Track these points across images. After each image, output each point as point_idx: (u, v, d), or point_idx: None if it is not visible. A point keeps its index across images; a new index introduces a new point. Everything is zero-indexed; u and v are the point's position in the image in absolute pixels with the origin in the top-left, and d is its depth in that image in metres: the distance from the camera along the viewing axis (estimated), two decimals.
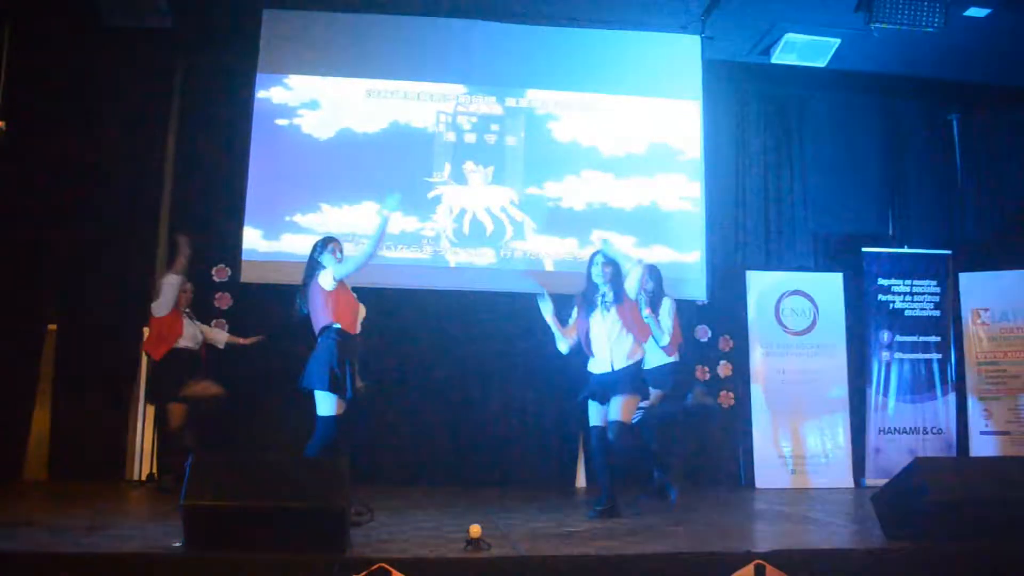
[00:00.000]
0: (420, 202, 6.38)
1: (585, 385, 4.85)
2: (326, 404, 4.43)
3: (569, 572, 3.37)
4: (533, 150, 6.55)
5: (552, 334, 4.80)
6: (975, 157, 7.34)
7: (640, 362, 4.79)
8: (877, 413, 6.62)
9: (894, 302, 6.78)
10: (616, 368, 4.70)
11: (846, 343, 6.66)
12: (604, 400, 4.73)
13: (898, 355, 6.71)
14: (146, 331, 6.07)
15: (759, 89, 7.14)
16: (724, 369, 6.62)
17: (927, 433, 6.61)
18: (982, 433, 6.62)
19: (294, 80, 6.40)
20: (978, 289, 6.82)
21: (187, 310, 5.67)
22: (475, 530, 3.54)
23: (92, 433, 5.87)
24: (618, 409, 4.63)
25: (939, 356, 6.72)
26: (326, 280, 4.47)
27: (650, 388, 5.17)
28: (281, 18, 6.40)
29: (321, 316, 4.49)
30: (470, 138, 6.53)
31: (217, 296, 6.13)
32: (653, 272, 5.54)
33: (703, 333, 6.63)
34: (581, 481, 6.38)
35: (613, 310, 4.72)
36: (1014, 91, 7.20)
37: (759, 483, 6.36)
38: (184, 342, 5.53)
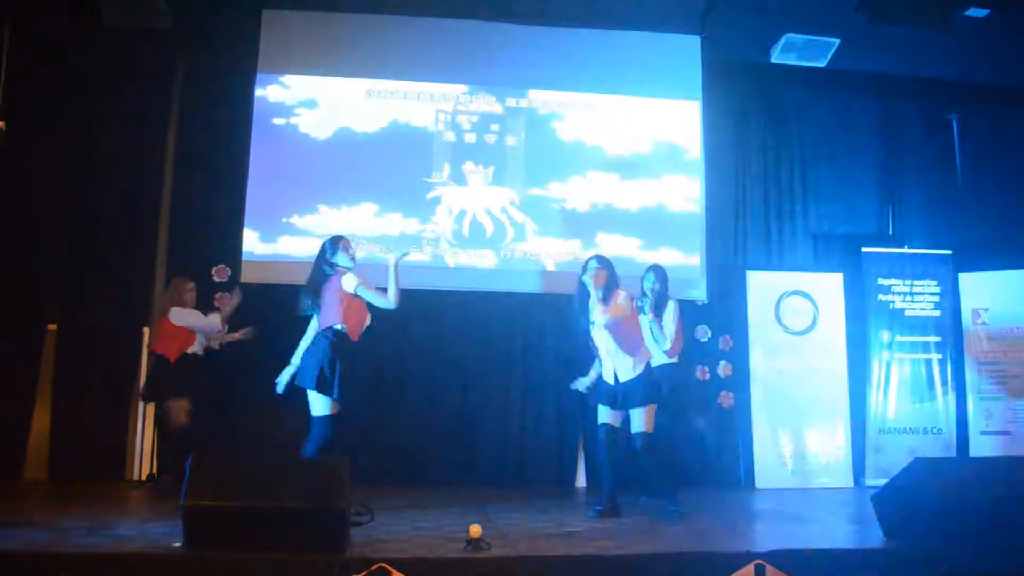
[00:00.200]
0: (419, 203, 6.36)
1: (597, 389, 4.89)
2: (319, 405, 4.46)
3: (569, 572, 3.38)
4: (534, 150, 6.53)
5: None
6: (975, 157, 7.33)
7: (647, 370, 4.81)
8: (877, 413, 6.62)
9: (894, 302, 6.78)
10: (622, 381, 4.73)
11: (846, 343, 6.67)
12: (615, 405, 4.76)
13: (898, 355, 6.70)
14: (146, 331, 6.08)
15: (759, 89, 7.14)
16: (724, 369, 6.62)
17: (927, 433, 6.61)
18: (982, 433, 6.63)
19: (291, 79, 6.38)
20: (978, 289, 6.82)
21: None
22: (475, 530, 3.55)
23: (92, 433, 5.86)
24: (640, 421, 4.68)
25: (939, 356, 6.72)
26: (349, 283, 4.52)
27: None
28: (281, 18, 6.39)
29: (331, 315, 4.52)
30: (470, 138, 6.50)
31: (217, 296, 6.13)
32: (660, 274, 5.54)
33: (703, 333, 6.63)
34: (581, 481, 6.38)
35: (608, 328, 4.73)
36: (1014, 91, 7.20)
37: (759, 483, 6.36)
38: (195, 348, 5.57)
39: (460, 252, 6.35)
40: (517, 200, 6.46)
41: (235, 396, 5.91)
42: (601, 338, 4.79)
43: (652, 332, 5.34)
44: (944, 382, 6.69)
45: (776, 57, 6.59)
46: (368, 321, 4.67)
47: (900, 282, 6.80)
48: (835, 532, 4.50)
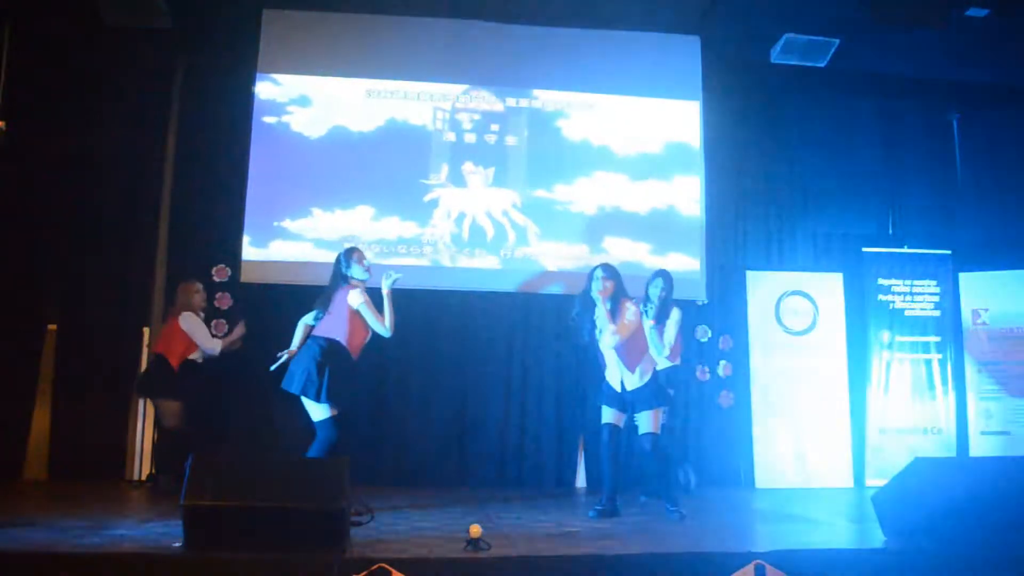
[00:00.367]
0: (417, 206, 6.30)
1: (601, 391, 4.91)
2: (316, 410, 4.47)
3: (569, 572, 3.38)
4: (537, 150, 6.48)
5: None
6: (975, 157, 7.33)
7: (654, 376, 4.84)
8: (877, 413, 6.62)
9: (894, 302, 6.78)
10: (629, 390, 4.77)
11: (846, 343, 6.67)
12: (622, 410, 4.81)
13: (898, 355, 6.70)
14: (146, 331, 6.08)
15: (759, 89, 7.13)
16: (724, 369, 6.62)
17: (927, 433, 6.61)
18: (982, 433, 6.63)
19: (291, 79, 6.33)
20: (978, 289, 6.82)
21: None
22: (475, 530, 3.55)
23: (92, 433, 5.86)
24: (648, 423, 4.73)
25: (939, 356, 6.72)
26: (355, 299, 4.55)
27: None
28: (281, 18, 6.38)
29: (336, 327, 4.55)
30: (470, 138, 6.44)
31: (217, 296, 6.13)
32: (668, 280, 5.55)
33: (703, 333, 6.62)
34: (581, 481, 6.38)
35: (616, 348, 4.75)
36: (1014, 91, 7.20)
37: (759, 483, 6.35)
38: (196, 355, 5.56)
39: (460, 256, 6.28)
40: (519, 202, 6.41)
41: (235, 396, 5.91)
42: (609, 352, 4.82)
43: (651, 339, 5.34)
44: (944, 382, 6.68)
45: (776, 57, 6.59)
46: (368, 338, 4.72)
47: (900, 282, 6.80)
48: (835, 532, 4.49)
